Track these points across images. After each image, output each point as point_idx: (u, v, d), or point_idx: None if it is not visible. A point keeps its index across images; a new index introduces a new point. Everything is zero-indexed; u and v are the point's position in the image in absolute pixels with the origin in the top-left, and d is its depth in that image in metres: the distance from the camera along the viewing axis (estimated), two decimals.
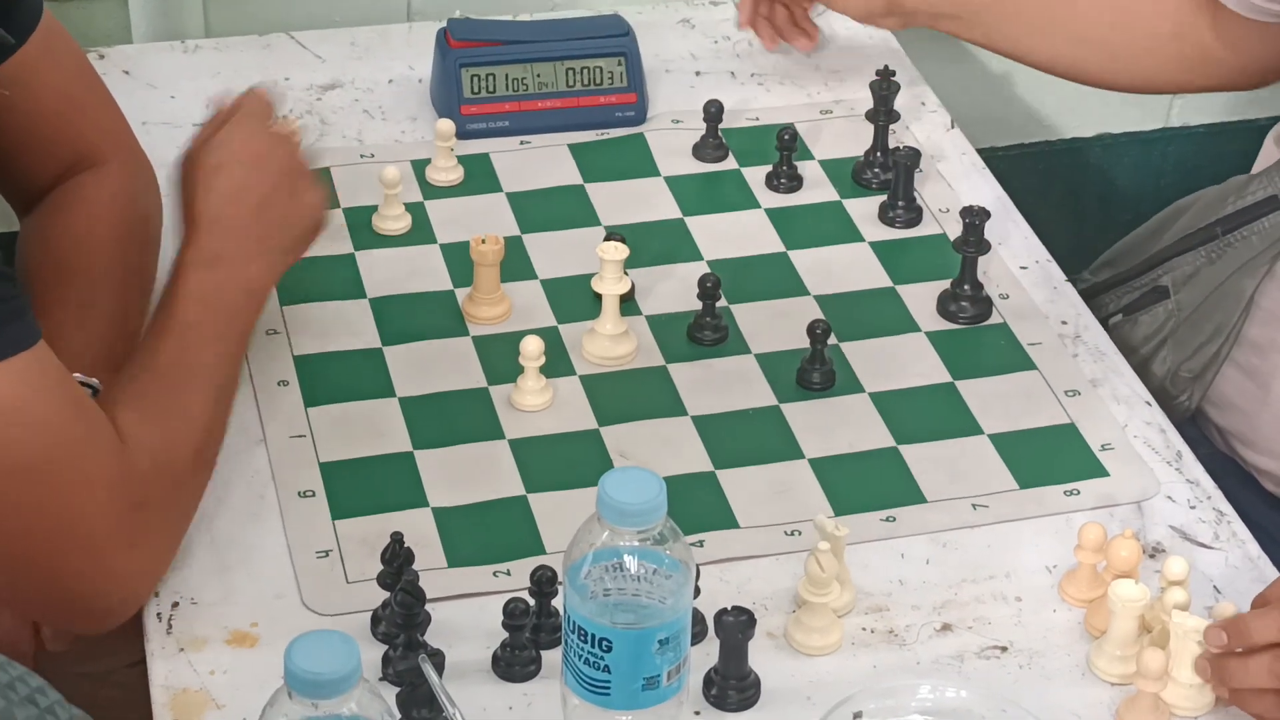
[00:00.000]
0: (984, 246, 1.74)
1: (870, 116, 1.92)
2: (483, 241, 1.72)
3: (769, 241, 1.85)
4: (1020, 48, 1.96)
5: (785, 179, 1.90)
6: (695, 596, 1.36)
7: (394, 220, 1.83)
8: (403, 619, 1.39)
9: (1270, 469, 1.80)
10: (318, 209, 1.58)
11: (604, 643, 1.29)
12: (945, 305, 1.76)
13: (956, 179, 1.93)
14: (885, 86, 1.90)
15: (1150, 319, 1.88)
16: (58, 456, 1.35)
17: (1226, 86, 1.93)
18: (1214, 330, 1.82)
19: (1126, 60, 1.91)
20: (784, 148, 1.90)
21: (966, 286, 1.76)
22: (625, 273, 1.70)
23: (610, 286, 1.69)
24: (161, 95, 1.98)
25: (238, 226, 1.51)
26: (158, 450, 1.42)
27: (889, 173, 1.89)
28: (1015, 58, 1.99)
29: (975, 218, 1.73)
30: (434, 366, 1.68)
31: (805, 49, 2.05)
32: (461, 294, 1.75)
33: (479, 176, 1.90)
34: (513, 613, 1.40)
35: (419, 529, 1.52)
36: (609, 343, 1.70)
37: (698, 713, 1.40)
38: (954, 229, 1.79)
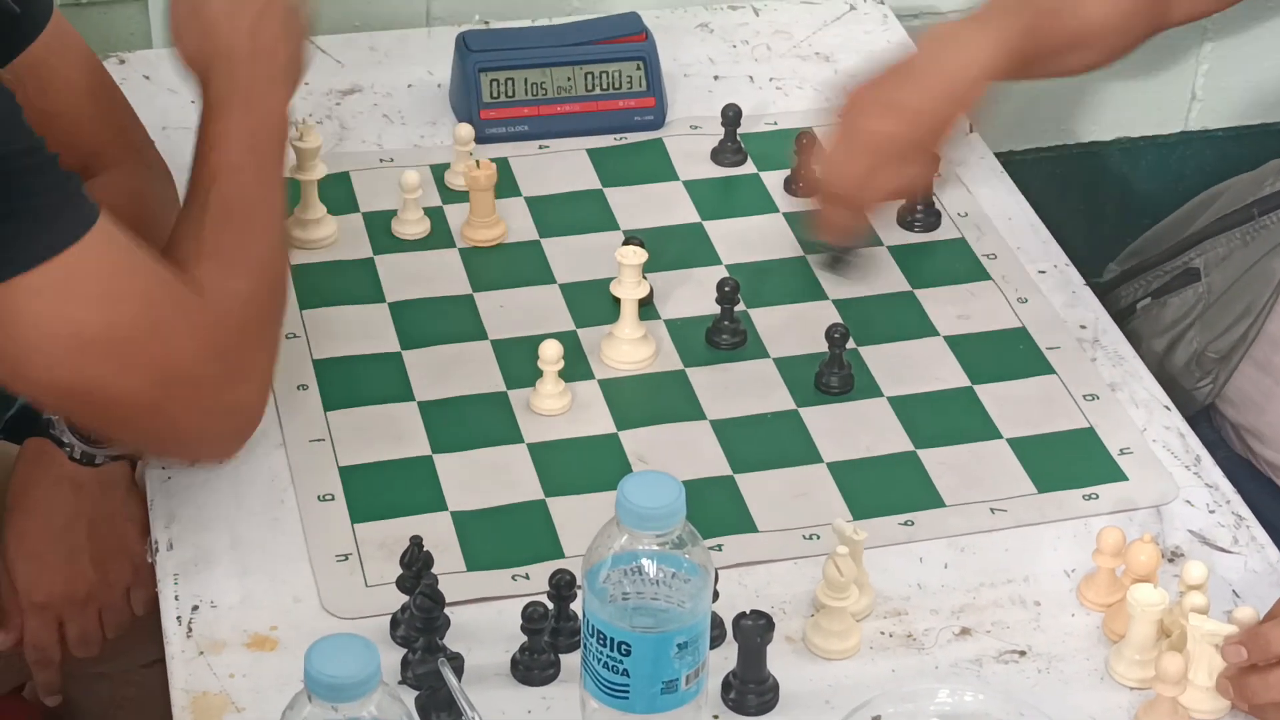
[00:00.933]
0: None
1: None
2: (476, 166, 1.79)
3: (787, 246, 1.85)
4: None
5: (804, 183, 1.90)
6: (714, 600, 1.36)
7: (413, 224, 1.83)
8: (422, 622, 1.39)
9: None
10: (300, 24, 1.59)
11: (623, 646, 1.29)
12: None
13: (975, 183, 1.93)
14: None
15: (1180, 301, 1.87)
16: (144, 323, 1.41)
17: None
18: (1243, 310, 1.81)
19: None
20: (802, 152, 1.90)
21: None
22: (644, 277, 1.70)
23: (629, 290, 1.69)
24: (182, 100, 1.97)
25: (244, 56, 1.53)
26: (243, 295, 1.48)
27: None
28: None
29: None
30: (453, 370, 1.69)
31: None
32: (480, 298, 1.76)
33: (498, 180, 1.90)
34: (531, 616, 1.41)
35: (438, 533, 1.52)
36: (628, 347, 1.70)
37: (716, 716, 1.40)
38: (973, 234, 1.78)
